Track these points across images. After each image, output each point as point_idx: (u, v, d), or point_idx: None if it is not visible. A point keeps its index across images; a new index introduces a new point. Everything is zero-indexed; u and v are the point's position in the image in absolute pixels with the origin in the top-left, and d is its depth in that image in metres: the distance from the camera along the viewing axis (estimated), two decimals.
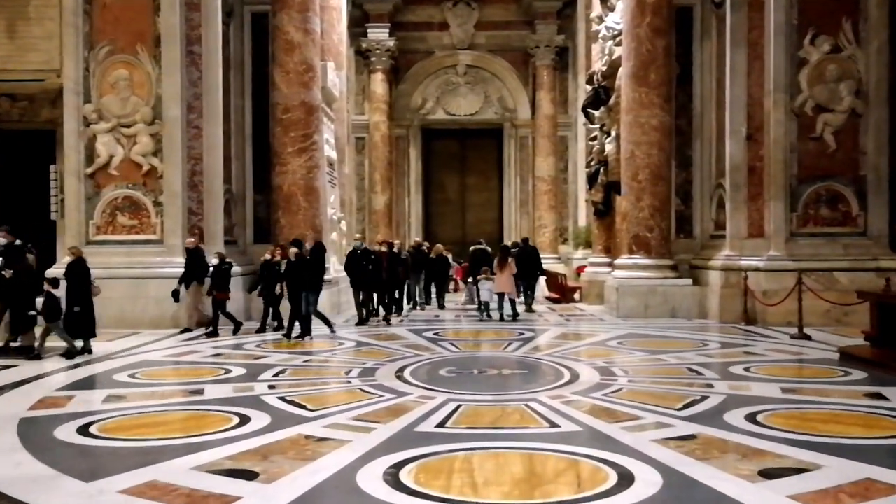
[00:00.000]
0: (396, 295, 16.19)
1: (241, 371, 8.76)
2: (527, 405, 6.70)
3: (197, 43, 13.99)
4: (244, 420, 6.16)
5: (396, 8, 30.90)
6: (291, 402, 6.89)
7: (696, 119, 15.93)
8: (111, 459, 5.23)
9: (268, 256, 13.05)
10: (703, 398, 6.97)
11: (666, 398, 6.98)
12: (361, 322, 14.20)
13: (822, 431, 5.66)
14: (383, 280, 14.77)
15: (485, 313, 15.21)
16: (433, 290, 18.36)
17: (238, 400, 7.06)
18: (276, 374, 8.53)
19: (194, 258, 12.58)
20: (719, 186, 15.07)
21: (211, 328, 12.27)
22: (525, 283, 16.95)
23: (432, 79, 32.69)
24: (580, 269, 23.56)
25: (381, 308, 15.08)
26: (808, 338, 11.39)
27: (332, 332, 12.47)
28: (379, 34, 31.23)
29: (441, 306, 17.93)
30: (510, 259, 15.42)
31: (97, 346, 10.15)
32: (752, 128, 14.04)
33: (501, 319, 14.68)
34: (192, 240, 12.88)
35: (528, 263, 16.80)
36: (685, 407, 6.60)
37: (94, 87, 13.74)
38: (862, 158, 13.59)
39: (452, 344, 11.14)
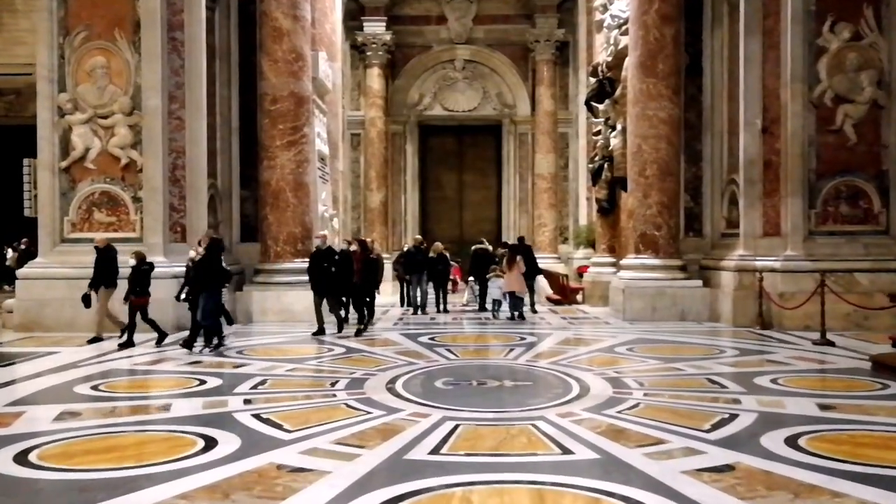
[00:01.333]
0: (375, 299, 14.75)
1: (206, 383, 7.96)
2: (533, 425, 5.90)
3: (179, 29, 13.18)
4: (210, 444, 5.37)
5: (393, 1, 30.09)
6: (267, 421, 6.09)
7: (707, 112, 15.13)
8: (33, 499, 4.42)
9: (192, 254, 11.22)
10: (733, 417, 6.17)
11: (690, 416, 6.18)
12: (319, 332, 12.24)
13: (880, 461, 4.87)
14: (351, 284, 12.81)
15: (496, 312, 15.19)
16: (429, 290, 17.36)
17: (208, 419, 6.26)
18: (255, 386, 7.73)
19: (104, 259, 11.21)
20: (732, 182, 14.28)
21: (126, 338, 10.91)
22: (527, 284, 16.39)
23: (429, 74, 31.89)
24: (581, 269, 22.83)
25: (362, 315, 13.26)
26: (832, 344, 10.61)
27: (189, 348, 10.40)
28: (375, 28, 30.44)
29: (444, 310, 16.34)
30: (519, 258, 15.14)
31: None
32: (768, 120, 13.25)
33: (511, 318, 14.71)
34: (103, 237, 11.70)
35: (528, 264, 16.05)
36: (714, 427, 5.81)
37: (69, 76, 12.93)
38: (884, 152, 12.79)
39: (449, 350, 10.33)
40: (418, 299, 16.25)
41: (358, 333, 12.17)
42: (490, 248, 17.93)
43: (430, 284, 16.73)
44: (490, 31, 31.50)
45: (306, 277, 14.42)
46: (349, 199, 30.69)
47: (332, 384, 7.81)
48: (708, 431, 5.69)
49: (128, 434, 5.75)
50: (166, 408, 6.67)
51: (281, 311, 14.24)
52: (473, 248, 17.90)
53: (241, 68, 15.30)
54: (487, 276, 15.99)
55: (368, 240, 15.08)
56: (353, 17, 29.57)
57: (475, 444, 5.43)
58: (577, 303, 18.66)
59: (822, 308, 11.01)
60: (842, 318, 11.94)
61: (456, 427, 5.83)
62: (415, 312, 15.98)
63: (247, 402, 6.91)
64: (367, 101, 30.74)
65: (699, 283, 14.40)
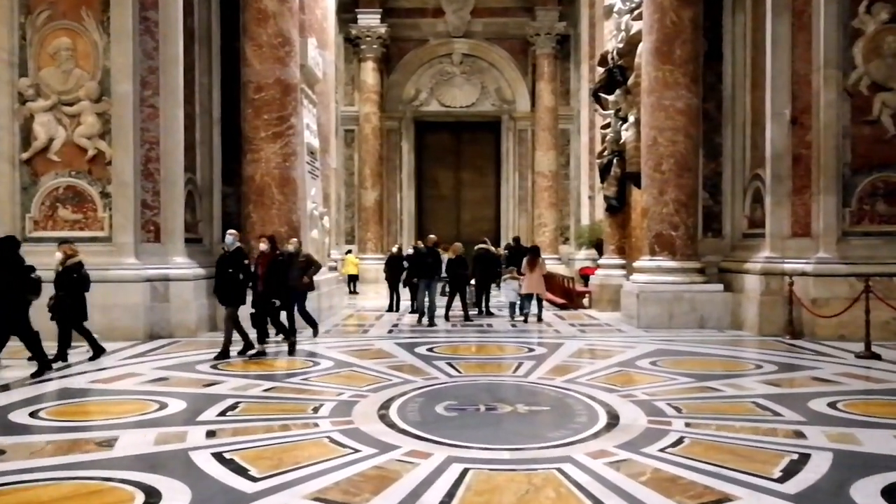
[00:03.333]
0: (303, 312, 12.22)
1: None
2: (560, 470, 4.75)
3: (153, 8, 12.04)
4: (150, 499, 4.20)
5: None
6: (230, 463, 4.92)
7: (727, 102, 13.98)
8: None
9: (59, 255, 9.64)
10: (804, 458, 5.02)
11: (751, 457, 5.03)
12: (222, 355, 9.60)
13: None
14: (284, 291, 10.52)
15: (514, 316, 14.88)
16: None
17: (156, 460, 5.09)
18: (225, 412, 6.55)
19: None
20: (755, 178, 13.13)
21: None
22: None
23: (426, 68, 30.84)
24: (583, 271, 21.83)
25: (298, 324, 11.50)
26: (877, 357, 9.49)
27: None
28: (370, 20, 29.37)
29: (466, 317, 14.72)
30: (540, 258, 14.87)
31: None
32: (798, 110, 12.12)
33: (525, 321, 14.48)
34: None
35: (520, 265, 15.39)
36: (786, 474, 4.66)
37: (30, 59, 11.80)
38: None
39: (450, 364, 9.16)
40: (425, 305, 14.16)
41: (245, 352, 9.78)
42: (493, 248, 16.93)
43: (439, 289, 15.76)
44: (489, 25, 30.45)
45: None
46: (342, 197, 29.59)
47: (315, 409, 6.64)
48: (780, 481, 4.54)
49: (49, 484, 4.57)
50: (109, 443, 5.49)
51: None
52: (476, 248, 17.00)
53: (223, 54, 14.08)
54: (503, 278, 15.72)
55: (295, 240, 12.33)
56: (347, 10, 28.45)
57: (490, 499, 4.27)
58: (583, 307, 17.52)
59: (867, 317, 9.89)
60: (880, 327, 10.80)
61: (464, 473, 4.68)
62: (419, 322, 14.10)
63: (210, 434, 5.74)
64: (361, 96, 29.65)
65: (720, 287, 13.26)
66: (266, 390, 7.56)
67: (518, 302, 14.90)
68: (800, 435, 5.70)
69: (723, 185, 14.03)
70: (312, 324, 12.27)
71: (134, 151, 11.78)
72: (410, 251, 17.70)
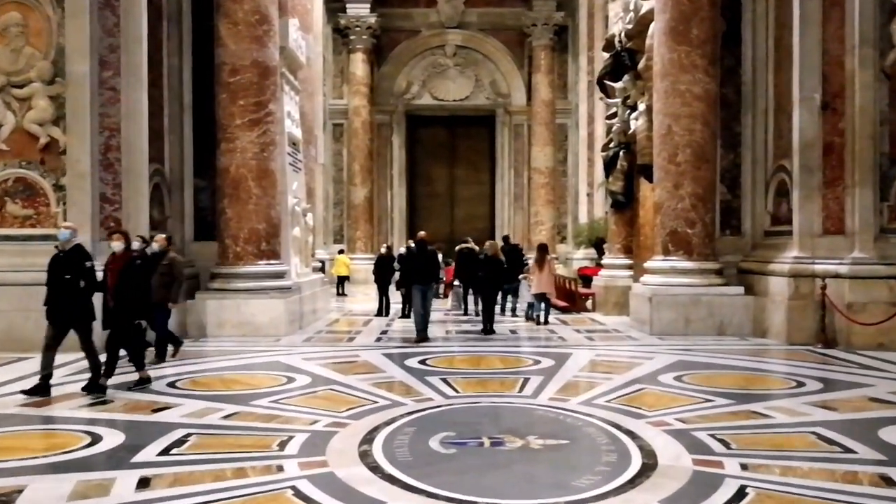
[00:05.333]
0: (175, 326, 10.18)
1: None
2: None
3: None
4: None
5: None
6: None
7: (747, 87, 12.78)
8: None
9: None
10: None
11: None
12: (38, 390, 7.19)
13: None
14: (107, 308, 7.53)
15: (535, 318, 14.02)
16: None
17: None
18: (170, 448, 5.32)
19: None
20: (780, 170, 11.96)
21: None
22: (511, 287, 15.09)
23: (418, 60, 29.63)
24: (582, 271, 20.72)
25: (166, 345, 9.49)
26: None
27: None
28: (359, 10, 28.18)
29: (488, 330, 12.37)
30: (549, 257, 14.21)
31: None
32: (829, 94, 10.95)
33: (537, 323, 13.70)
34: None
35: (512, 265, 14.58)
36: None
37: None
38: None
39: (445, 381, 7.94)
40: (420, 317, 11.52)
41: (91, 388, 7.28)
42: (476, 247, 16.19)
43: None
44: (483, 15, 29.29)
45: (271, 283, 12.16)
46: (331, 194, 28.38)
47: (282, 444, 5.41)
48: None
49: None
50: (9, 499, 4.25)
51: (241, 323, 11.86)
52: (458, 247, 16.43)
53: (195, 33, 12.84)
54: (520, 277, 15.02)
55: (162, 236, 9.96)
56: None
57: None
58: (587, 310, 16.34)
59: None
60: None
61: None
62: (419, 340, 11.25)
63: (142, 484, 4.51)
64: (350, 88, 28.44)
65: (740, 289, 12.09)
66: (226, 417, 6.32)
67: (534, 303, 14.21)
68: (889, 482, 4.51)
69: (742, 177, 12.83)
70: (174, 341, 9.68)
71: (91, 139, 10.52)
72: (403, 251, 16.46)
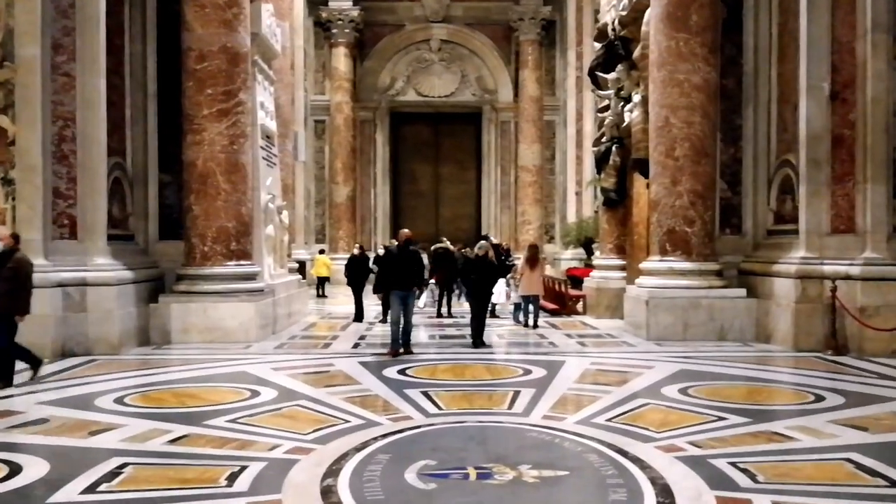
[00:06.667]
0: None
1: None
2: None
3: None
4: None
5: None
6: None
7: (748, 78, 12.05)
8: None
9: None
10: None
11: None
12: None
13: None
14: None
15: (524, 319, 13.41)
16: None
17: None
18: (98, 484, 4.50)
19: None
20: (784, 165, 11.24)
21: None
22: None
23: (402, 55, 28.79)
24: (570, 272, 20.01)
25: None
26: None
27: None
28: (341, 2, 27.39)
29: (477, 343, 10.71)
30: (541, 256, 13.81)
31: None
32: (839, 83, 10.24)
33: (526, 326, 13.15)
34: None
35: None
36: None
37: None
38: None
39: (426, 395, 7.14)
40: (397, 327, 9.89)
41: None
42: (451, 247, 15.97)
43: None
44: (469, 9, 28.52)
45: (242, 285, 11.33)
46: (312, 192, 27.55)
47: (232, 477, 4.60)
48: None
49: None
50: None
51: (208, 328, 11.02)
52: (433, 247, 15.88)
53: (160, 18, 11.95)
54: (508, 277, 14.34)
55: (6, 233, 8.21)
56: None
57: None
58: (577, 313, 15.59)
59: None
60: None
61: None
62: (393, 354, 9.73)
63: None
64: (332, 84, 27.58)
65: (742, 292, 11.37)
66: (173, 441, 5.49)
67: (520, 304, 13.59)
68: None
69: (743, 173, 12.10)
70: (30, 360, 8.01)
71: (43, 129, 9.71)
72: (382, 251, 15.65)
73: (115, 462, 4.89)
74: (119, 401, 6.90)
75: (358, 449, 5.21)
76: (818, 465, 4.91)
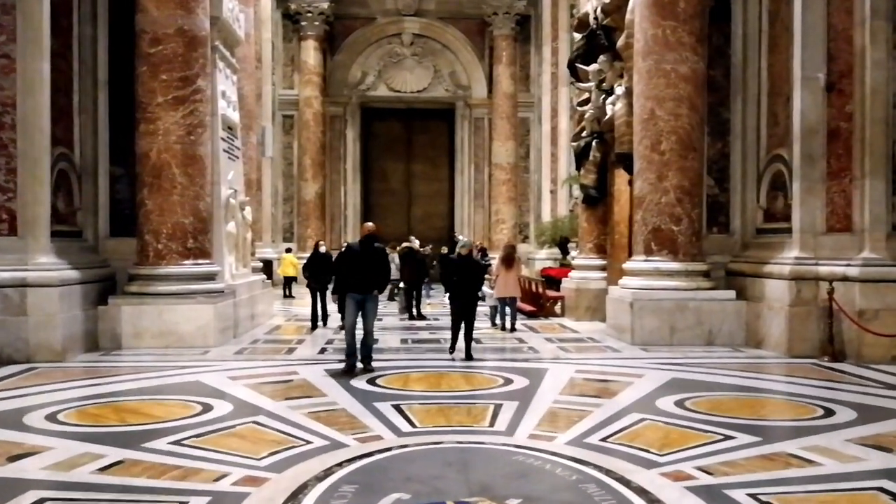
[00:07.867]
0: None
1: None
2: None
3: None
4: None
5: None
6: None
7: (737, 69, 11.50)
8: None
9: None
10: None
11: None
12: None
13: None
14: None
15: (502, 323, 12.78)
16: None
17: None
18: None
19: None
20: (775, 160, 10.69)
21: None
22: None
23: (374, 49, 28.03)
24: (545, 272, 19.45)
25: None
26: None
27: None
28: None
29: (468, 356, 9.34)
30: (518, 257, 13.11)
31: None
32: (835, 73, 9.70)
33: (503, 329, 12.58)
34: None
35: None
36: None
37: None
38: None
39: (399, 408, 6.44)
40: (355, 341, 8.57)
41: None
42: (419, 247, 15.45)
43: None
44: (442, 3, 27.85)
45: (199, 285, 10.54)
46: (280, 189, 26.72)
47: None
48: None
49: None
50: None
51: (162, 332, 10.21)
52: (401, 247, 15.29)
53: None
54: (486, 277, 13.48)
55: None
56: None
57: None
58: (555, 315, 14.98)
59: None
60: None
61: None
62: (347, 370, 8.40)
63: None
64: (301, 78, 26.76)
65: (731, 294, 10.80)
66: (103, 469, 4.72)
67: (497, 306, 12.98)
68: None
69: (731, 169, 11.55)
70: None
71: None
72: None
73: (30, 497, 4.13)
74: (51, 417, 6.10)
75: (319, 478, 4.49)
76: (848, 496, 4.28)
